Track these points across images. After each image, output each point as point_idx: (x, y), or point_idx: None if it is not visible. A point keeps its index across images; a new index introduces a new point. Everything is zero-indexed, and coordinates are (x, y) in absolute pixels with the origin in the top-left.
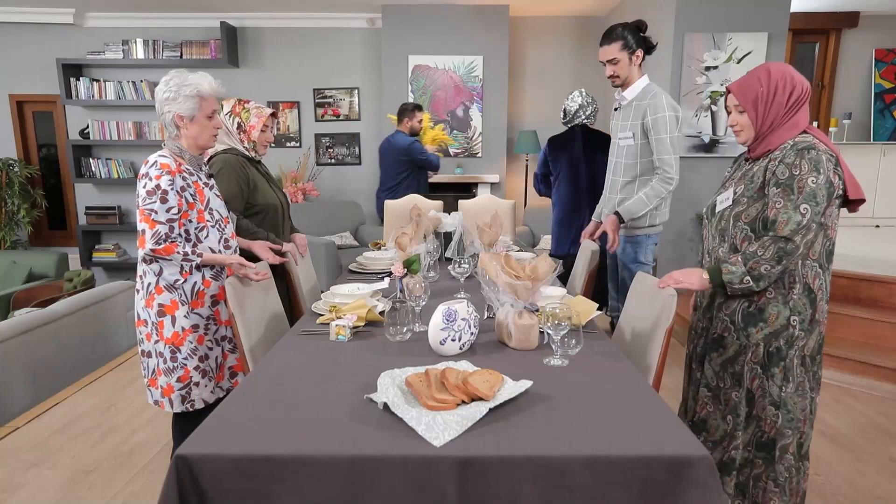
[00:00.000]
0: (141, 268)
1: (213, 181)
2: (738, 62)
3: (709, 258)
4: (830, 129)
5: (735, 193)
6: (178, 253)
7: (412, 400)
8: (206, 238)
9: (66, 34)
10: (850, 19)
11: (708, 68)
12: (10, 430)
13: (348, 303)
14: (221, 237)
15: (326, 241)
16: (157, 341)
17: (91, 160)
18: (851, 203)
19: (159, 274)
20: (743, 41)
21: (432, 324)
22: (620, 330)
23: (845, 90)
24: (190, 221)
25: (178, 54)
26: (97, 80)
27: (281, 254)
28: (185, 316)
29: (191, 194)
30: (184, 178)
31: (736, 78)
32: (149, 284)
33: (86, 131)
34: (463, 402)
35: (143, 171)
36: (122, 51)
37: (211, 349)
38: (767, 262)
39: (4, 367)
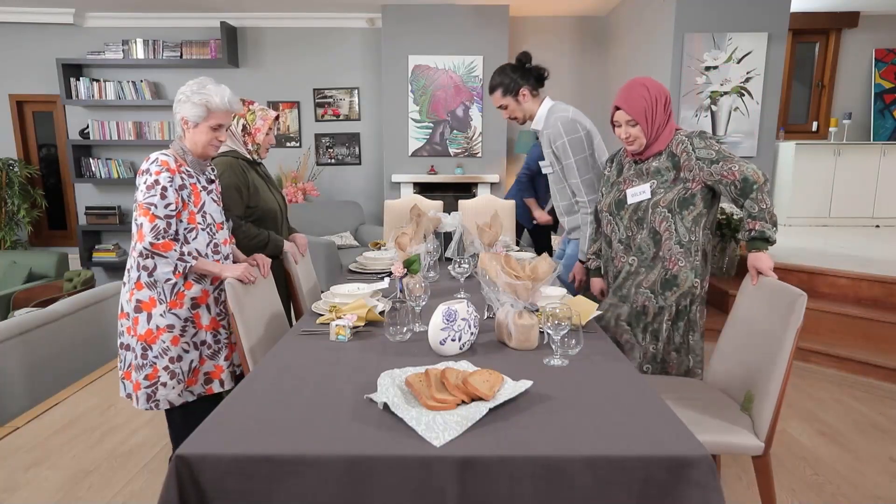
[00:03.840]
0: (130, 261)
1: (213, 186)
2: (738, 62)
3: (621, 245)
4: (830, 128)
5: (651, 187)
6: (175, 251)
7: (412, 400)
8: (193, 240)
9: (66, 34)
10: (850, 19)
11: (708, 68)
12: (10, 430)
13: (348, 303)
14: (211, 241)
15: (326, 241)
16: (132, 336)
17: (91, 160)
18: None
19: (146, 269)
20: (743, 41)
21: (432, 324)
22: (728, 335)
23: (845, 90)
24: (180, 221)
25: (178, 54)
26: (97, 80)
27: (278, 255)
28: (161, 315)
29: (186, 195)
30: (182, 179)
31: (735, 78)
32: (133, 278)
33: (86, 131)
34: (463, 402)
35: (143, 166)
36: (122, 51)
37: (186, 352)
38: (771, 205)
39: (4, 367)
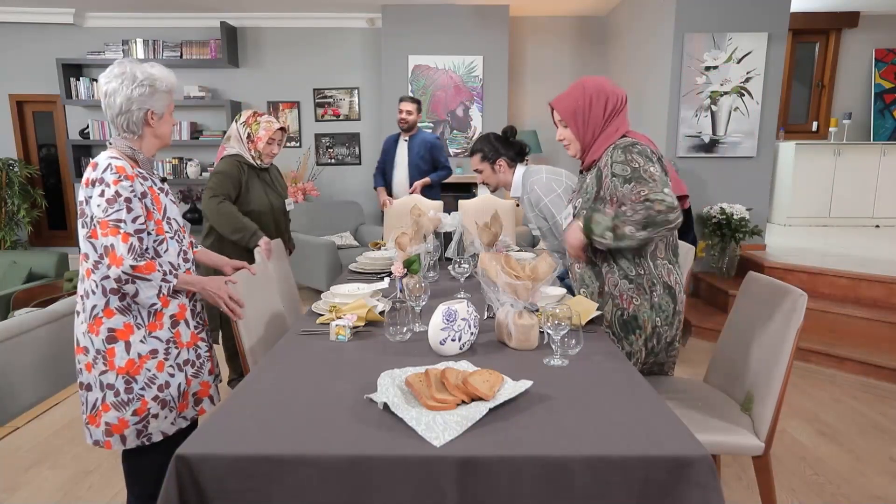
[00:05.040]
0: (84, 286)
1: (167, 186)
2: (738, 62)
3: (571, 275)
4: (830, 128)
5: (575, 208)
6: (158, 272)
7: (412, 400)
8: (165, 252)
9: (66, 34)
10: (850, 19)
11: (708, 68)
12: (10, 430)
13: (348, 303)
14: (180, 249)
15: (326, 241)
16: (104, 372)
17: (91, 160)
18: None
19: (120, 294)
20: (743, 41)
21: (432, 324)
22: (728, 335)
23: (845, 90)
24: (148, 234)
25: (178, 54)
26: (97, 81)
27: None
28: (141, 341)
29: (149, 202)
30: (140, 184)
31: (735, 78)
32: (94, 307)
33: (86, 131)
34: (463, 402)
35: (93, 175)
36: (122, 51)
37: (172, 376)
38: (633, 223)
39: (4, 367)
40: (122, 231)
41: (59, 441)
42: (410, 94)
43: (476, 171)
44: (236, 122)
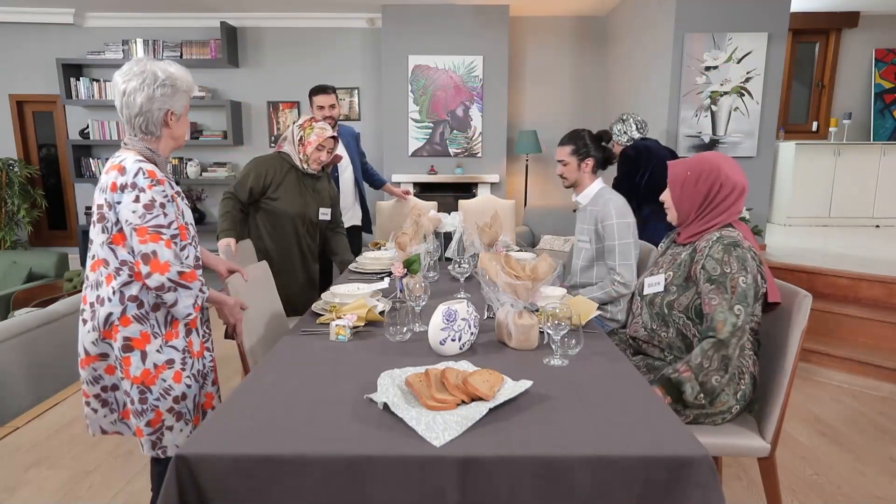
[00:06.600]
0: (97, 293)
1: (179, 188)
2: (738, 62)
3: (645, 332)
4: (830, 128)
5: (666, 280)
6: (199, 280)
7: (412, 400)
8: (186, 258)
9: (66, 34)
10: (850, 19)
11: (708, 68)
12: (10, 430)
13: (348, 303)
14: (195, 255)
15: None
16: (122, 378)
17: (91, 160)
18: (769, 305)
19: (135, 302)
20: (743, 41)
21: (432, 324)
22: None
23: (845, 90)
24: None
25: (179, 54)
26: (97, 80)
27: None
28: (157, 350)
29: (177, 206)
30: (171, 188)
31: (736, 78)
32: (109, 315)
33: (86, 131)
34: (463, 402)
35: (121, 179)
36: (122, 51)
37: (189, 387)
38: (716, 371)
39: (4, 367)
40: (163, 237)
41: (59, 441)
42: (323, 84)
43: (560, 161)
44: (294, 123)
